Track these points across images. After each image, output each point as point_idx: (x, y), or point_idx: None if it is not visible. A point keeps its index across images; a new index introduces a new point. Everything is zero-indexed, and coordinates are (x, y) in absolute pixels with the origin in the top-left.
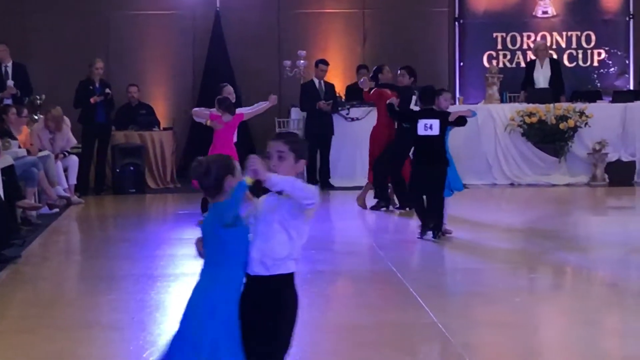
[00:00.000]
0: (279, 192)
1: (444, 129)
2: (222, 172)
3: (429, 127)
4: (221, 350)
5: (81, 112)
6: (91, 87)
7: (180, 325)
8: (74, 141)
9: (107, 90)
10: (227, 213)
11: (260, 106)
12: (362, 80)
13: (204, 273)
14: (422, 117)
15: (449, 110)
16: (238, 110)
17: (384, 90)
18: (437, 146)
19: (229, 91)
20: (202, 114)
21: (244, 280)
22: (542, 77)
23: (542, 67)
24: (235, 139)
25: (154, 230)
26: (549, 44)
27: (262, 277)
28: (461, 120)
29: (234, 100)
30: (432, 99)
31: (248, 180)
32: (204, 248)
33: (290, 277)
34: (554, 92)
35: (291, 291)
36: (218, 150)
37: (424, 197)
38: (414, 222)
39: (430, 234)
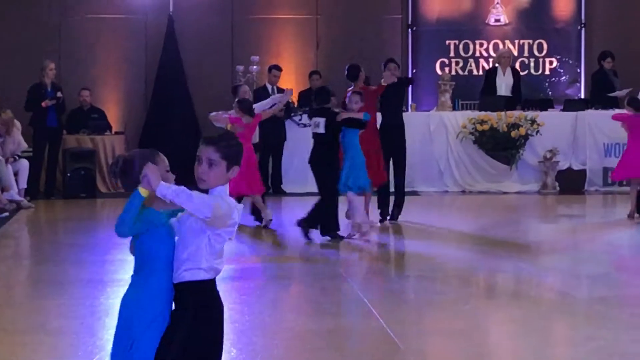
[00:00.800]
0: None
1: (333, 129)
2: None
3: (316, 125)
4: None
5: (32, 116)
6: (43, 91)
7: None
8: (24, 145)
9: (59, 94)
10: (119, 223)
11: (275, 101)
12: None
13: (129, 286)
14: (313, 115)
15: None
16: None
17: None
18: (324, 145)
19: (245, 90)
20: (221, 119)
21: (171, 287)
22: (504, 84)
23: (504, 74)
24: (256, 139)
25: (104, 235)
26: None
27: (180, 283)
28: (352, 122)
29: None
30: (326, 99)
31: (142, 191)
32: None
33: (198, 285)
34: (515, 101)
35: (198, 302)
36: None
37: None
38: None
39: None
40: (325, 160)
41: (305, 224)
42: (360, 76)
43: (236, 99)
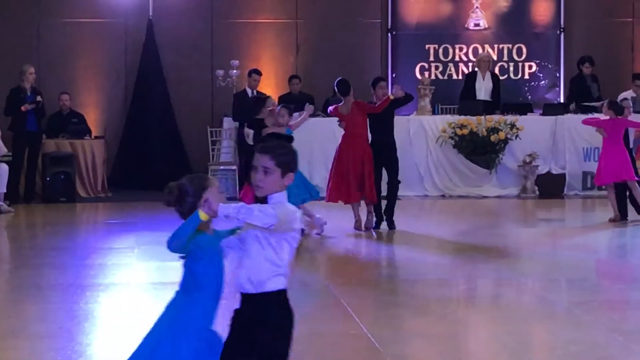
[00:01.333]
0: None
1: (259, 141)
2: (197, 197)
3: (247, 135)
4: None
5: (12, 120)
6: (22, 95)
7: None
8: (4, 149)
9: (39, 98)
10: (171, 240)
11: (302, 117)
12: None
13: (175, 298)
14: (248, 126)
15: None
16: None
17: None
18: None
19: (273, 103)
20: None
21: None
22: (484, 88)
23: (484, 79)
24: None
25: (84, 240)
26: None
27: (250, 295)
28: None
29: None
30: (257, 110)
31: (202, 215)
32: None
33: (277, 294)
34: (494, 105)
35: (280, 309)
36: None
37: None
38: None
39: None
40: None
41: None
42: (351, 91)
43: (280, 108)
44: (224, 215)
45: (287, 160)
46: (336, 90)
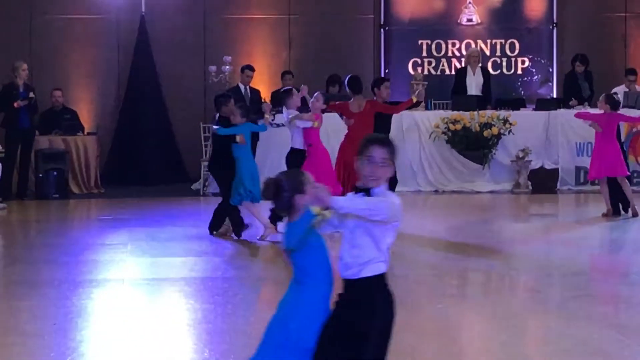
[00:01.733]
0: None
1: (249, 136)
2: (292, 192)
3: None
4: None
5: (4, 117)
6: (15, 91)
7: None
8: None
9: (31, 95)
10: (289, 239)
11: (312, 105)
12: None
13: (290, 289)
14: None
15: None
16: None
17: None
18: (219, 149)
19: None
20: (308, 117)
21: (331, 292)
22: (474, 83)
23: (474, 74)
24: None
25: (77, 236)
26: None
27: (352, 280)
28: (227, 137)
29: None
30: (218, 107)
31: (315, 209)
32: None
33: (379, 278)
34: (485, 100)
35: (382, 293)
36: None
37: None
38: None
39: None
40: (221, 165)
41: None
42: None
43: (316, 96)
44: (337, 207)
45: (396, 154)
46: (348, 87)
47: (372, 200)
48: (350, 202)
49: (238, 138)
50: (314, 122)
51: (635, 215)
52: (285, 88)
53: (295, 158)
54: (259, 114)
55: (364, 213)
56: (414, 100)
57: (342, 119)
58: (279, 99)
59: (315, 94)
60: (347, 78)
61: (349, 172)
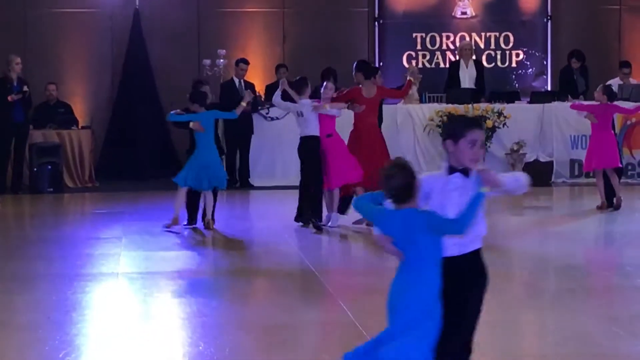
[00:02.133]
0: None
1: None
2: (409, 179)
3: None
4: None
5: None
6: (9, 85)
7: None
8: None
9: (25, 88)
10: (463, 223)
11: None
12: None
13: (402, 277)
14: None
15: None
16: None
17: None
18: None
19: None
20: (340, 105)
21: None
22: (468, 76)
23: (467, 67)
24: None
25: (71, 230)
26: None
27: (456, 257)
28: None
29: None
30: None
31: (485, 190)
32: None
33: (480, 251)
34: (478, 93)
35: (483, 263)
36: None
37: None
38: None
39: None
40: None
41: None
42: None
43: (327, 85)
44: (504, 185)
45: None
46: (360, 72)
47: (522, 175)
48: (508, 179)
49: (191, 124)
50: (350, 105)
51: (617, 208)
52: (300, 77)
53: (312, 145)
54: (253, 106)
55: (522, 189)
56: (412, 80)
57: (349, 107)
58: (295, 87)
59: (325, 84)
60: (358, 63)
61: (370, 159)
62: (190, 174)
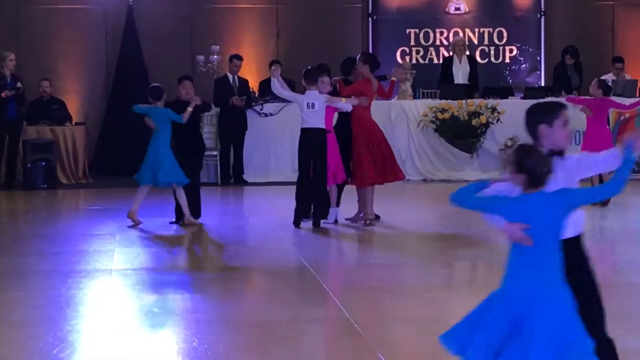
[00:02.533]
0: None
1: (194, 115)
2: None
3: None
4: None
5: None
6: (2, 82)
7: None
8: None
9: (19, 85)
10: (619, 189)
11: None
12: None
13: (531, 263)
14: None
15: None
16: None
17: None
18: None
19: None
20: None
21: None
22: (461, 72)
23: (460, 63)
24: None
25: (65, 226)
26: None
27: (570, 239)
28: (201, 108)
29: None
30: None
31: (635, 154)
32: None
33: (580, 238)
34: (471, 89)
35: (584, 250)
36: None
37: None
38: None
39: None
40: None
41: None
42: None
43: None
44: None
45: None
46: (370, 64)
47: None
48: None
49: (145, 119)
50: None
51: (605, 203)
52: (311, 67)
53: (322, 137)
54: (247, 102)
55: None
56: (394, 79)
57: (364, 99)
58: (306, 77)
59: (321, 78)
60: (366, 55)
61: (379, 152)
62: (145, 171)
